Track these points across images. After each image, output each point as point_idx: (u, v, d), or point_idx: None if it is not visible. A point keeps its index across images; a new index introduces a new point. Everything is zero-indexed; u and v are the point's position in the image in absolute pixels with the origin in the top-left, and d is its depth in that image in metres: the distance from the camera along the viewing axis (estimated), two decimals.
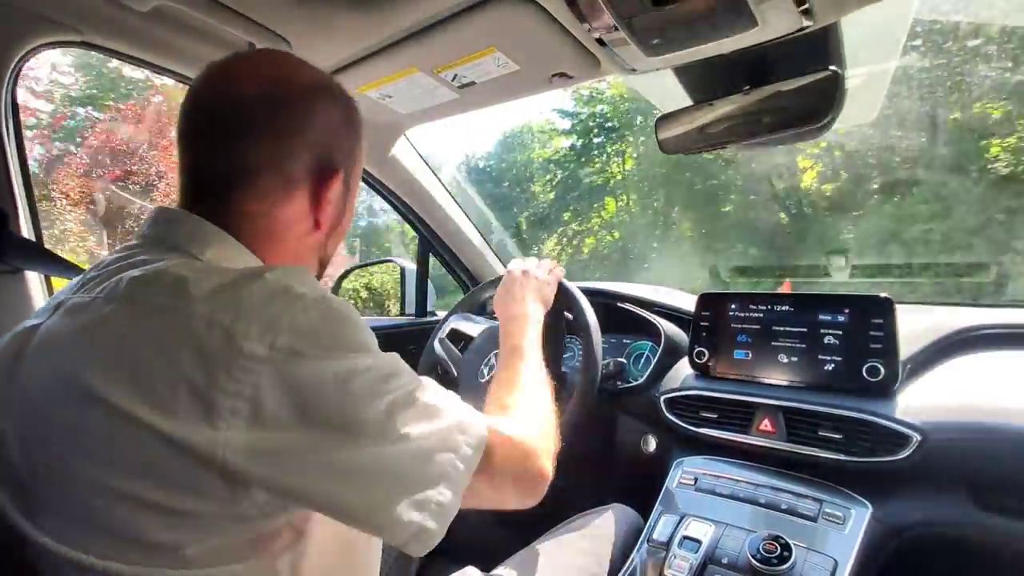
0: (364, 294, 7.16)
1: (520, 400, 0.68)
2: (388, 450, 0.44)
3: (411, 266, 1.68)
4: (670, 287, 1.42)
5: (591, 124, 12.79)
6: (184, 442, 0.39)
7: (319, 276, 0.63)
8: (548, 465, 0.60)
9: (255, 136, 0.52)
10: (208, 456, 0.39)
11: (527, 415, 0.65)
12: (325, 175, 0.56)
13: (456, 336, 1.33)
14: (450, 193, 1.55)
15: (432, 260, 1.67)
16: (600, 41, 0.86)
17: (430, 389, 0.51)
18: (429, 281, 1.69)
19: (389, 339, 1.55)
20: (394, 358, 0.50)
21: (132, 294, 0.45)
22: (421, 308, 1.65)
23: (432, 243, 1.61)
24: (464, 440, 0.50)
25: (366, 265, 4.17)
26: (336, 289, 1.78)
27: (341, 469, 0.43)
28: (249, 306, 0.43)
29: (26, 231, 0.96)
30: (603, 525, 0.92)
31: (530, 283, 0.96)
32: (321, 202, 0.57)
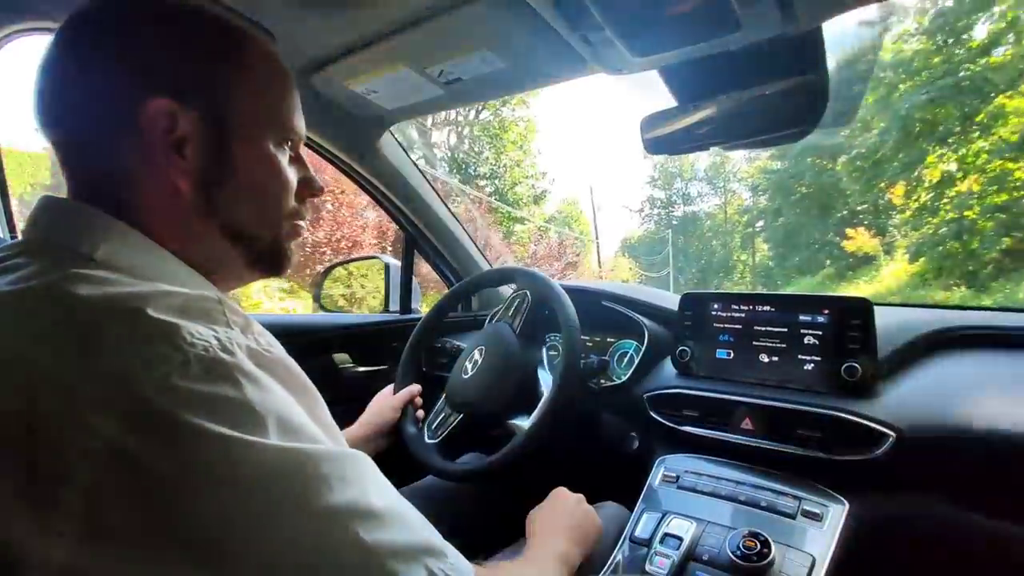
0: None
1: None
2: None
3: (395, 262, 1.67)
4: None
5: None
6: (15, 562, 0.29)
7: (246, 255, 0.52)
8: None
9: (69, 78, 0.44)
10: (25, 566, 0.29)
11: None
12: (150, 107, 0.43)
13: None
14: (434, 189, 1.54)
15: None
16: (587, 41, 0.86)
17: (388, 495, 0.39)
18: (414, 278, 1.68)
19: (373, 336, 1.54)
20: (340, 451, 0.37)
21: None
22: (405, 305, 1.64)
23: (417, 240, 1.60)
24: (438, 567, 0.38)
25: (349, 261, 4.14)
26: (319, 287, 1.75)
27: None
28: (105, 356, 0.32)
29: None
30: None
31: (581, 516, 0.80)
32: (151, 142, 0.44)
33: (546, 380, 0.97)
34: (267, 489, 0.32)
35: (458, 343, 1.42)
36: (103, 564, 0.29)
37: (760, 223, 25.44)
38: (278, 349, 0.40)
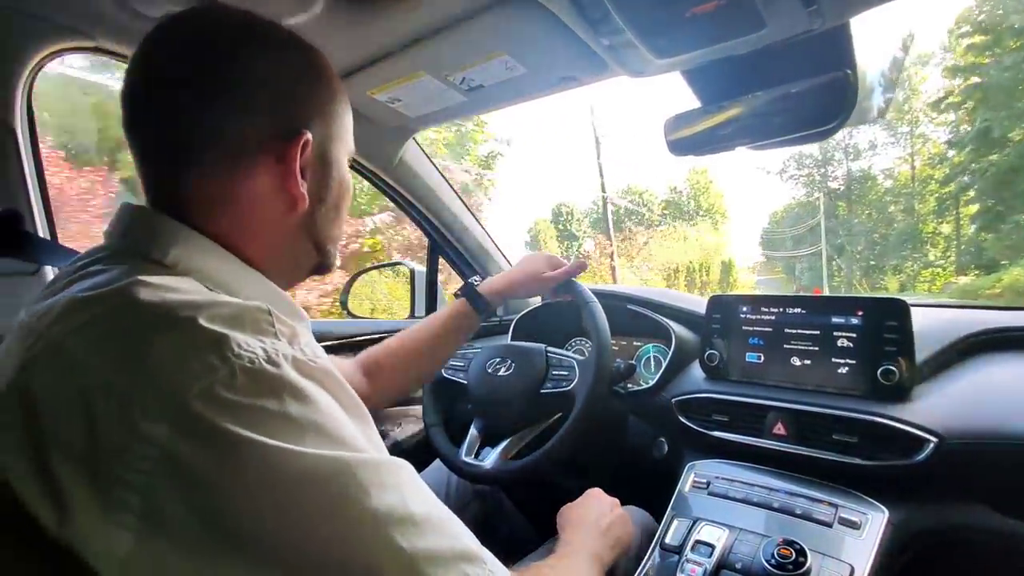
0: None
1: None
2: None
3: (420, 268, 1.69)
4: None
5: None
6: (77, 548, 0.32)
7: (322, 261, 0.57)
8: None
9: (184, 102, 0.45)
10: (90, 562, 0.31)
11: None
12: (286, 138, 0.47)
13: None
14: (458, 195, 1.55)
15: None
16: (608, 44, 0.86)
17: (429, 501, 0.40)
18: (439, 284, 1.69)
19: None
20: (379, 458, 0.38)
21: (58, 332, 0.37)
22: (431, 310, 1.65)
23: (442, 245, 1.61)
24: (476, 573, 0.39)
25: (375, 268, 4.18)
26: (346, 294, 1.77)
27: None
28: (158, 364, 0.33)
29: (42, 232, 0.97)
30: None
31: (614, 519, 0.80)
32: (290, 172, 0.48)
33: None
34: (306, 495, 0.33)
35: (479, 347, 1.41)
36: (162, 558, 0.31)
37: (967, 176, 15.36)
38: (323, 359, 0.41)
